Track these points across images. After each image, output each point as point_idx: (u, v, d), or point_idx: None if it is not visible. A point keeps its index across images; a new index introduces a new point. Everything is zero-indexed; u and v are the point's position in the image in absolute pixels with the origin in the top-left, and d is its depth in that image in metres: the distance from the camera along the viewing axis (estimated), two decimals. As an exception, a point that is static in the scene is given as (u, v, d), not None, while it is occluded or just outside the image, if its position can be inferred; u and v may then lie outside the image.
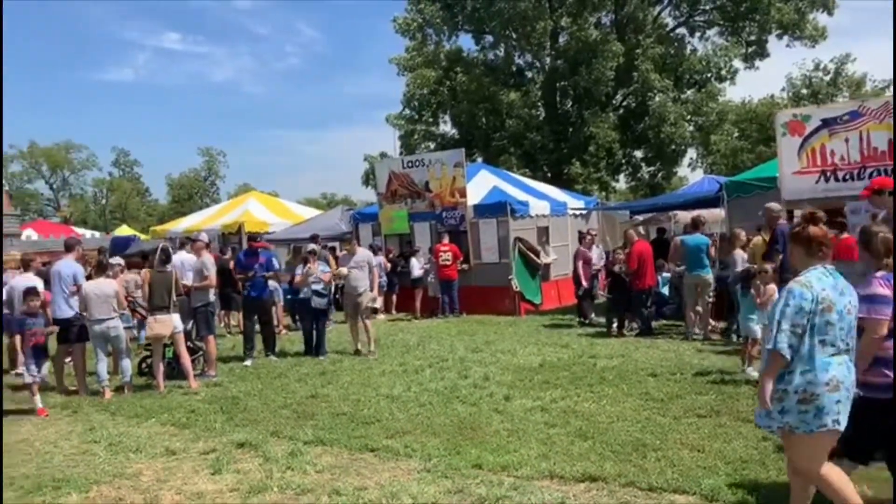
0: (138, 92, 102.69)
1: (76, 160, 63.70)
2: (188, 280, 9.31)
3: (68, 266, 8.52)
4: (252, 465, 5.27)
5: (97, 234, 33.01)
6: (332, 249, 10.76)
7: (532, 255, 14.31)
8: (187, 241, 10.07)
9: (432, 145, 31.01)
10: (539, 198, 15.67)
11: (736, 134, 34.39)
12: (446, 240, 13.93)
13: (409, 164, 15.58)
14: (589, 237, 13.09)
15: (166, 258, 8.53)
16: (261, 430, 6.23)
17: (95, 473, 5.24)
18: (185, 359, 8.41)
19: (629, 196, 36.73)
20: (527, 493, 4.45)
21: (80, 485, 4.99)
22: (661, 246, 12.97)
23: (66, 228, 31.70)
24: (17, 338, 7.37)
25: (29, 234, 27.52)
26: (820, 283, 3.45)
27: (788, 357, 3.39)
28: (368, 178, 32.94)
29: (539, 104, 30.45)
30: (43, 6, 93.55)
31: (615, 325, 10.99)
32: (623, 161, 30.70)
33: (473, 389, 7.48)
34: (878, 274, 3.90)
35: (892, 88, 28.51)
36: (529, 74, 31.28)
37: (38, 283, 8.57)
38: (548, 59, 30.08)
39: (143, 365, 9.06)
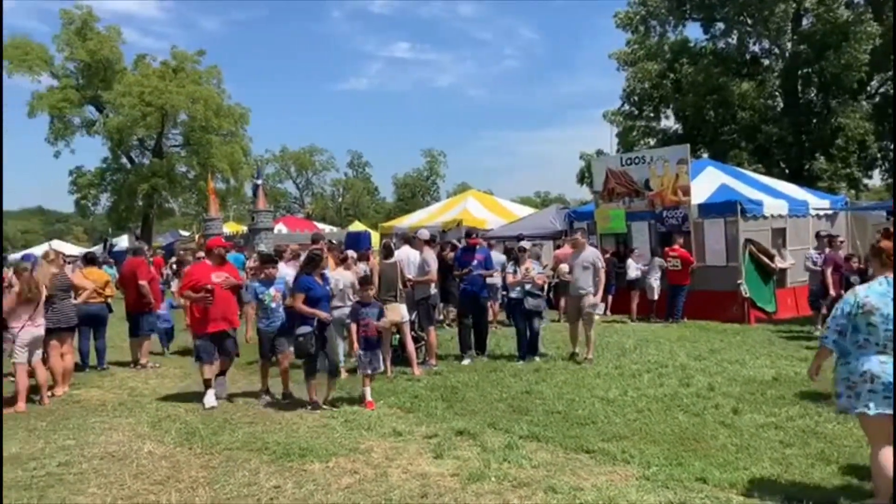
0: (371, 99, 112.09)
1: (318, 162, 70.94)
2: (411, 274, 9.85)
3: (313, 257, 9.48)
4: (471, 454, 5.47)
5: (334, 229, 36.36)
6: (523, 250, 10.25)
7: (765, 259, 13.15)
8: (413, 238, 10.57)
9: (652, 142, 29.76)
10: (775, 196, 14.34)
11: None
12: (679, 243, 13.21)
13: (628, 162, 15.11)
14: (824, 238, 11.69)
15: (389, 252, 9.25)
16: (478, 421, 6.43)
17: (334, 446, 5.78)
18: (410, 347, 8.96)
19: (884, 195, 32.21)
20: (759, 516, 4.11)
21: (321, 455, 5.53)
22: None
23: (309, 224, 35.30)
24: (354, 326, 7.33)
25: (280, 228, 31.11)
26: (869, 290, 4.13)
27: (832, 350, 4.20)
28: (583, 176, 32.49)
29: (776, 94, 27.85)
30: (304, 27, 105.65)
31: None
32: (879, 155, 27.05)
33: (696, 399, 7.06)
34: None
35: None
36: (766, 62, 28.74)
37: (291, 273, 9.64)
38: (788, 45, 27.36)
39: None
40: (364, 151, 73.65)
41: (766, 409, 6.56)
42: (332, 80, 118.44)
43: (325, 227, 35.56)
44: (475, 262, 9.96)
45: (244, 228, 29.33)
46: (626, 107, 30.91)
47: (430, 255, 9.96)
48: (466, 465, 5.20)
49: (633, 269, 13.79)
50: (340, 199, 71.26)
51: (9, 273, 8.57)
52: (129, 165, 39.66)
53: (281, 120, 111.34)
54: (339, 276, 8.85)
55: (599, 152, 30.99)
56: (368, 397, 7.18)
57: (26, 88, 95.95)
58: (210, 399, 7.41)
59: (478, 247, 10.25)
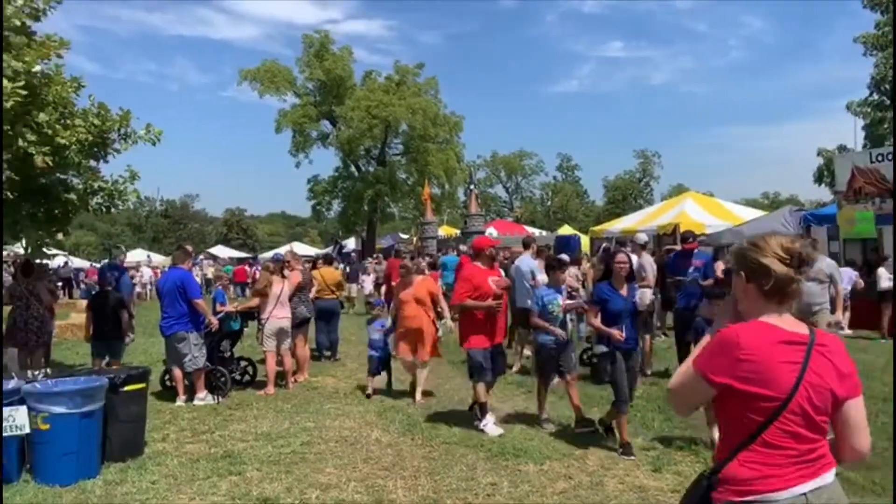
0: (581, 101, 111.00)
1: (527, 166, 71.87)
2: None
3: (526, 262, 9.59)
4: (692, 470, 5.16)
5: (544, 232, 36.47)
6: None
7: None
8: (628, 242, 10.24)
9: (909, 134, 25.97)
10: None
11: None
12: None
13: (880, 158, 13.37)
14: None
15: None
16: (700, 436, 6.06)
17: (548, 449, 5.80)
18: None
19: None
20: None
21: (535, 457, 5.59)
22: None
23: (519, 227, 35.75)
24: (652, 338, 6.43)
25: (490, 231, 31.85)
26: None
27: None
28: (822, 175, 29.35)
29: None
30: (517, 33, 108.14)
31: None
32: None
33: (970, 433, 6.02)
34: None
35: None
36: None
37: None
38: None
39: (584, 356, 9.65)
40: (574, 154, 73.21)
41: None
42: (543, 84, 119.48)
43: (535, 231, 35.79)
44: (691, 269, 8.87)
45: (457, 232, 30.52)
46: (875, 96, 27.36)
47: (648, 259, 9.60)
48: (688, 481, 4.90)
49: (885, 279, 12.13)
50: (549, 203, 71.37)
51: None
52: (356, 174, 43.22)
53: (492, 125, 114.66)
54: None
55: (842, 148, 27.70)
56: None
57: (274, 107, 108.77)
58: (492, 427, 6.39)
59: (696, 251, 9.17)
